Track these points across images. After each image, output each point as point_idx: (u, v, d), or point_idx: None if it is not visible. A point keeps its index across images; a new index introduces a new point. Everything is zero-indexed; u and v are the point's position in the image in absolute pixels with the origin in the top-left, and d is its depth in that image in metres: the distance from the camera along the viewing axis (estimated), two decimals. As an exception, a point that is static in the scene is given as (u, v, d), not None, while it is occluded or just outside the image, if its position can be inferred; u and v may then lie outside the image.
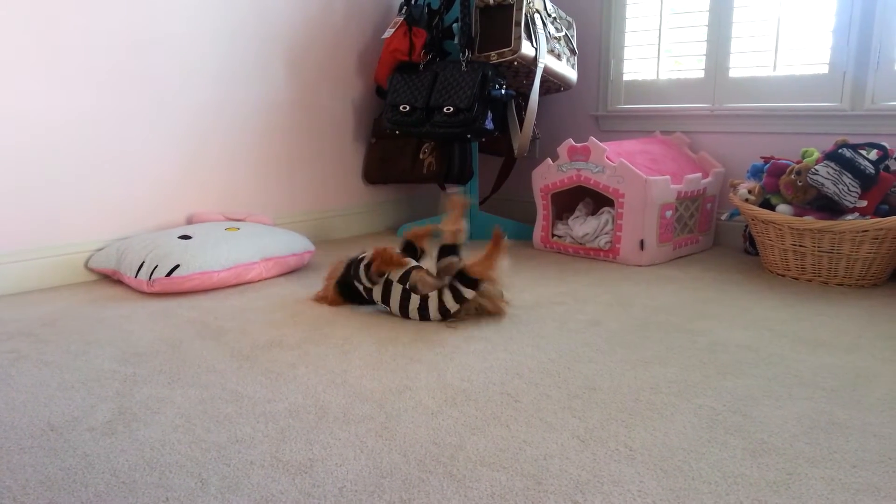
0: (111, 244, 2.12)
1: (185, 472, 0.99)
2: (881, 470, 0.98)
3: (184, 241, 2.02)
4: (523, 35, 2.34)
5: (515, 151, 2.48)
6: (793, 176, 1.99)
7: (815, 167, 1.93)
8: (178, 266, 1.92)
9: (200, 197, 2.40)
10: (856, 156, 1.91)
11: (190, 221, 2.35)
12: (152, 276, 1.91)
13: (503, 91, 2.39)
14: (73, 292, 2.00)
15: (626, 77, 2.79)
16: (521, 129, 2.47)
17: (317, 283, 1.99)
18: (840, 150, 1.94)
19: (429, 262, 1.78)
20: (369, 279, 1.72)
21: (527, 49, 2.35)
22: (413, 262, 1.73)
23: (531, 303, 1.84)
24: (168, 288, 1.92)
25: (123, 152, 2.17)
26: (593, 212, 2.49)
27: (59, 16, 1.98)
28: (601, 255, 2.37)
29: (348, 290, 1.79)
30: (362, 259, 1.75)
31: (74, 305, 1.86)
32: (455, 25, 2.56)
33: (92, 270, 2.13)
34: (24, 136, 1.96)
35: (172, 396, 1.25)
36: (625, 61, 2.77)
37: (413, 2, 2.62)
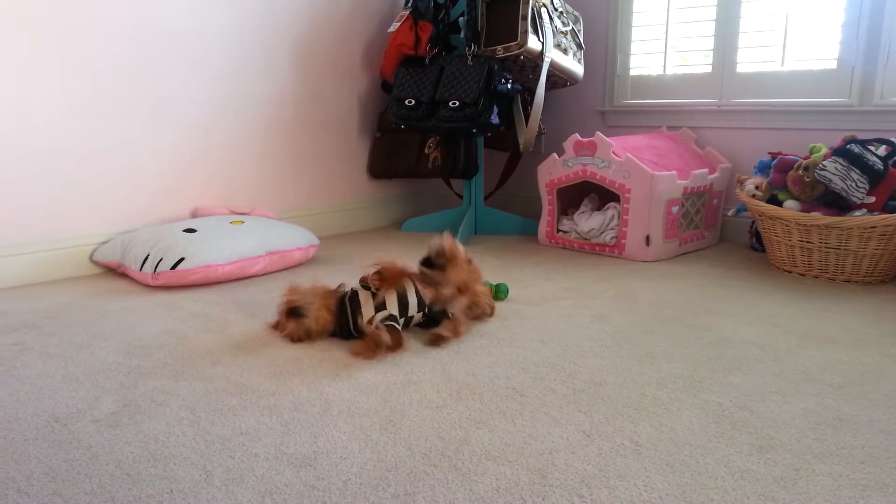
0: (116, 237, 2.12)
1: (189, 464, 0.99)
2: (889, 466, 0.97)
3: (188, 234, 2.02)
4: (530, 29, 2.32)
5: (521, 146, 2.47)
6: (800, 172, 1.97)
7: (823, 163, 1.92)
8: (182, 259, 1.92)
9: (205, 190, 2.39)
10: (864, 151, 1.90)
11: (195, 215, 2.35)
12: (157, 269, 1.91)
13: (509, 85, 2.38)
14: (77, 285, 2.00)
15: (632, 72, 2.77)
16: (526, 124, 2.46)
17: (322, 276, 1.97)
18: (848, 146, 1.93)
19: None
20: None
21: (533, 43, 2.34)
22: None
23: (536, 298, 1.84)
24: (172, 281, 1.92)
25: (127, 145, 2.17)
26: (599, 207, 2.48)
27: (58, 4, 1.97)
28: (606, 250, 2.36)
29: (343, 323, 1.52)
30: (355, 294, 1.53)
31: (79, 298, 1.86)
32: (461, 19, 2.56)
33: (97, 263, 2.13)
34: (26, 128, 1.96)
35: (177, 389, 1.25)
36: (631, 56, 2.76)
37: (419, -5, 2.61)
